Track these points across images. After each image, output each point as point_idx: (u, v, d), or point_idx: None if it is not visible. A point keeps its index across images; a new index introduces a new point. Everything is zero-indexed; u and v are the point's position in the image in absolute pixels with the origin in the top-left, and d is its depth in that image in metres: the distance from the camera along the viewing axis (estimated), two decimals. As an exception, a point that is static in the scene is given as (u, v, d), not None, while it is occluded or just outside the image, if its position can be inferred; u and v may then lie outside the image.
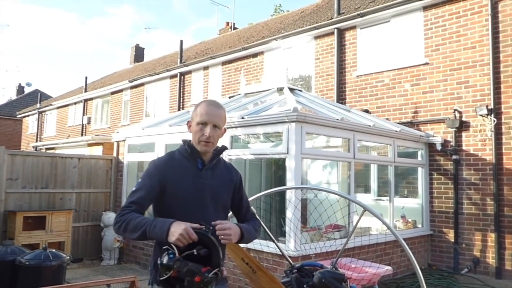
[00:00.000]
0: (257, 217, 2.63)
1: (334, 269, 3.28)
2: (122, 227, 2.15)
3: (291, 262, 3.38)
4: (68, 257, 5.30)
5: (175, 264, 1.92)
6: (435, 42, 8.50)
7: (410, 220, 8.22)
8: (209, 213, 2.31)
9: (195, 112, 2.38)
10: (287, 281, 3.09)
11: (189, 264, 1.93)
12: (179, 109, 14.23)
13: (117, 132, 9.37)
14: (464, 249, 7.89)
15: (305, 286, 3.05)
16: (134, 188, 2.30)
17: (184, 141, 2.42)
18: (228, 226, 2.15)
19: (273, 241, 3.80)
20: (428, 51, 8.58)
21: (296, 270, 3.23)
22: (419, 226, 8.32)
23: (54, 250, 5.44)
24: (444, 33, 8.40)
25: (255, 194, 8.27)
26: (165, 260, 1.94)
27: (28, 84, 32.77)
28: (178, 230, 1.98)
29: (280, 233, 6.79)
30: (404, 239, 7.43)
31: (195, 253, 1.94)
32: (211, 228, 2.05)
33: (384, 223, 3.57)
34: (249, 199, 4.02)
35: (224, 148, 2.47)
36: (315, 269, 3.26)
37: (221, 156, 2.48)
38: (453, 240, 8.01)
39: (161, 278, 1.94)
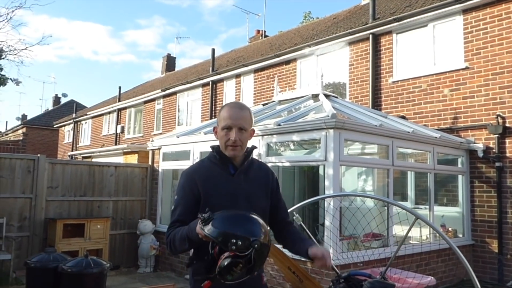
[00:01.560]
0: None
1: (383, 279, 3.16)
2: (172, 247, 2.17)
3: (338, 271, 3.28)
4: (108, 265, 5.35)
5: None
6: (476, 46, 8.24)
7: (450, 229, 7.95)
8: None
9: (219, 116, 2.32)
10: (335, 292, 2.99)
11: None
12: (211, 118, 14.31)
13: (152, 141, 9.47)
14: (509, 260, 7.56)
15: (353, 297, 2.95)
16: (173, 207, 2.27)
17: (213, 147, 2.35)
18: (324, 255, 2.21)
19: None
20: (469, 55, 8.33)
21: (343, 280, 3.13)
22: (460, 235, 8.04)
23: (95, 257, 5.50)
24: (485, 36, 8.14)
25: (288, 201, 8.23)
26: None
27: (64, 95, 33.63)
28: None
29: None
30: (444, 249, 7.27)
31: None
32: (205, 214, 1.92)
33: (438, 232, 3.44)
34: (289, 210, 3.98)
35: (253, 148, 2.37)
36: (358, 279, 3.15)
37: (253, 157, 2.39)
38: (497, 251, 7.69)
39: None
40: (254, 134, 2.45)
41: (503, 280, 7.51)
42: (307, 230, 3.39)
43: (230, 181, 2.27)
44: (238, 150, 2.25)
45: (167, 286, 5.13)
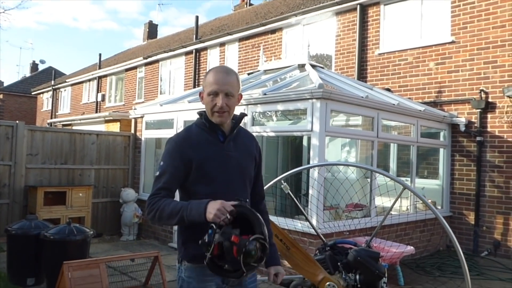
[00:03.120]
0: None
1: (368, 247, 3.21)
2: (157, 216, 2.07)
3: (324, 239, 3.32)
4: (91, 232, 5.30)
5: (215, 237, 1.85)
6: (463, 20, 8.23)
7: (429, 201, 8.08)
8: (236, 187, 2.21)
9: (204, 81, 2.23)
10: (321, 259, 3.03)
11: (226, 230, 1.86)
12: (194, 87, 14.13)
13: (135, 109, 9.32)
14: (485, 232, 7.79)
15: (339, 264, 2.99)
16: (157, 173, 2.17)
17: (200, 114, 2.27)
18: (277, 277, 2.32)
19: (308, 221, 3.74)
20: (455, 29, 8.33)
21: (329, 248, 3.17)
22: (439, 207, 8.22)
23: (77, 225, 5.45)
24: (472, 10, 8.12)
25: (271, 171, 8.26)
26: (206, 238, 1.89)
27: (42, 62, 32.84)
28: (214, 207, 1.90)
29: (296, 211, 6.74)
30: (423, 220, 7.45)
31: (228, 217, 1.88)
32: (242, 199, 1.98)
33: (426, 203, 3.52)
34: (276, 179, 3.99)
35: (243, 115, 2.33)
36: (344, 247, 3.20)
37: (240, 124, 2.34)
38: (473, 223, 7.91)
39: (206, 261, 1.90)
40: (239, 104, 2.39)
41: (478, 251, 7.75)
42: (295, 199, 3.40)
43: (221, 149, 2.22)
44: (225, 117, 2.19)
45: (151, 253, 5.11)
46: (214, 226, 1.88)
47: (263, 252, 1.87)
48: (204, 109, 2.27)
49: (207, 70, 13.81)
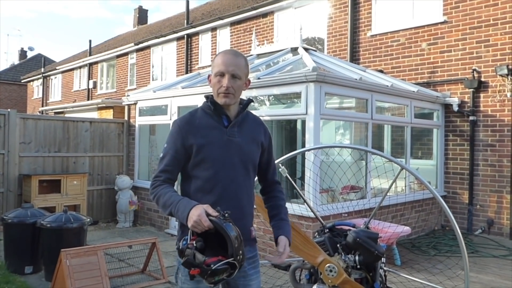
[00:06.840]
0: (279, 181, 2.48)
1: (366, 229, 3.24)
2: (155, 201, 2.15)
3: (323, 222, 3.34)
4: (88, 220, 5.30)
5: (186, 252, 1.91)
6: (455, -1, 8.22)
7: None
8: (238, 173, 2.20)
9: (212, 63, 2.24)
10: (320, 241, 3.05)
11: (196, 254, 1.89)
12: (186, 72, 14.02)
13: (128, 95, 9.24)
14: (479, 210, 7.87)
15: (338, 245, 3.01)
16: (161, 154, 2.22)
17: (207, 97, 2.26)
18: (284, 252, 2.20)
19: (307, 204, 3.75)
20: (447, 8, 8.30)
21: (327, 230, 3.19)
22: (433, 187, 8.28)
23: (74, 212, 5.44)
24: (465, -11, 8.10)
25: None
26: (180, 245, 1.96)
27: (31, 49, 32.35)
28: (193, 216, 1.90)
29: (292, 194, 6.78)
30: (418, 200, 7.51)
31: (194, 245, 1.91)
32: (226, 214, 1.92)
33: (424, 183, 3.55)
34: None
35: (250, 101, 2.31)
36: (342, 229, 3.22)
37: (248, 110, 2.32)
38: (467, 202, 7.99)
39: (182, 262, 1.96)
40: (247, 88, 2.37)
41: (472, 229, 7.85)
42: (293, 182, 3.41)
43: (223, 133, 2.20)
44: (230, 98, 2.17)
45: (149, 240, 5.14)
46: (190, 235, 1.93)
47: (233, 269, 1.90)
48: (211, 93, 2.26)
49: (199, 55, 13.80)
